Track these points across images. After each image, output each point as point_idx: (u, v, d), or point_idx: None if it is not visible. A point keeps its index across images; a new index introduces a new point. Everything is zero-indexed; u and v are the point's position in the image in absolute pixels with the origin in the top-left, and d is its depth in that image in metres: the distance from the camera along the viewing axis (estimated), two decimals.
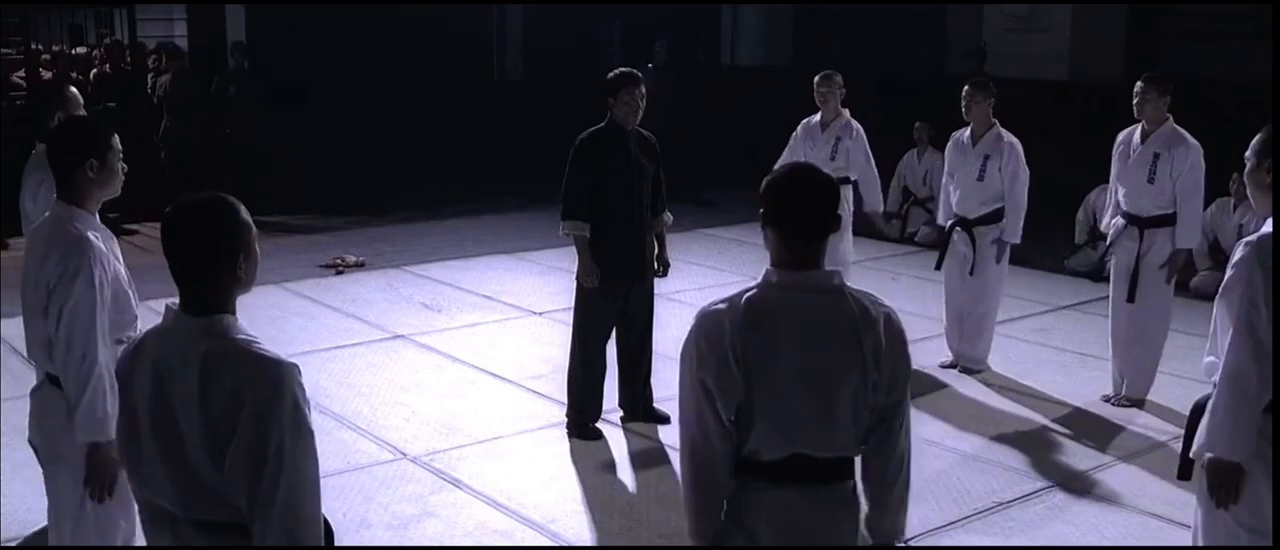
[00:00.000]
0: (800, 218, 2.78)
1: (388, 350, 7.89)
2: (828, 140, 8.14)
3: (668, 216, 6.32)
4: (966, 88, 7.36)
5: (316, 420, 5.75)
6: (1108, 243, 7.04)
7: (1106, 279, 9.80)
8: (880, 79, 14.51)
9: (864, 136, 8.20)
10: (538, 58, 15.81)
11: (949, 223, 7.47)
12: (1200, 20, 13.25)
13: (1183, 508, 4.87)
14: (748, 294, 2.80)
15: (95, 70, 13.22)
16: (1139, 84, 6.68)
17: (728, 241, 11.62)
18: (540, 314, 8.74)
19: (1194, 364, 4.31)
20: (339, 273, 10.15)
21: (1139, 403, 6.82)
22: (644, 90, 5.97)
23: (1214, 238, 9.82)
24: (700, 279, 9.77)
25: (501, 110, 14.61)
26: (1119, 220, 6.86)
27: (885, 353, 2.73)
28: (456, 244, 11.28)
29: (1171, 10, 13.63)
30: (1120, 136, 6.85)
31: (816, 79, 8.25)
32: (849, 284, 2.83)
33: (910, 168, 12.24)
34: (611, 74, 6.00)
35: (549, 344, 7.73)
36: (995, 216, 7.26)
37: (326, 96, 13.62)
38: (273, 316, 8.50)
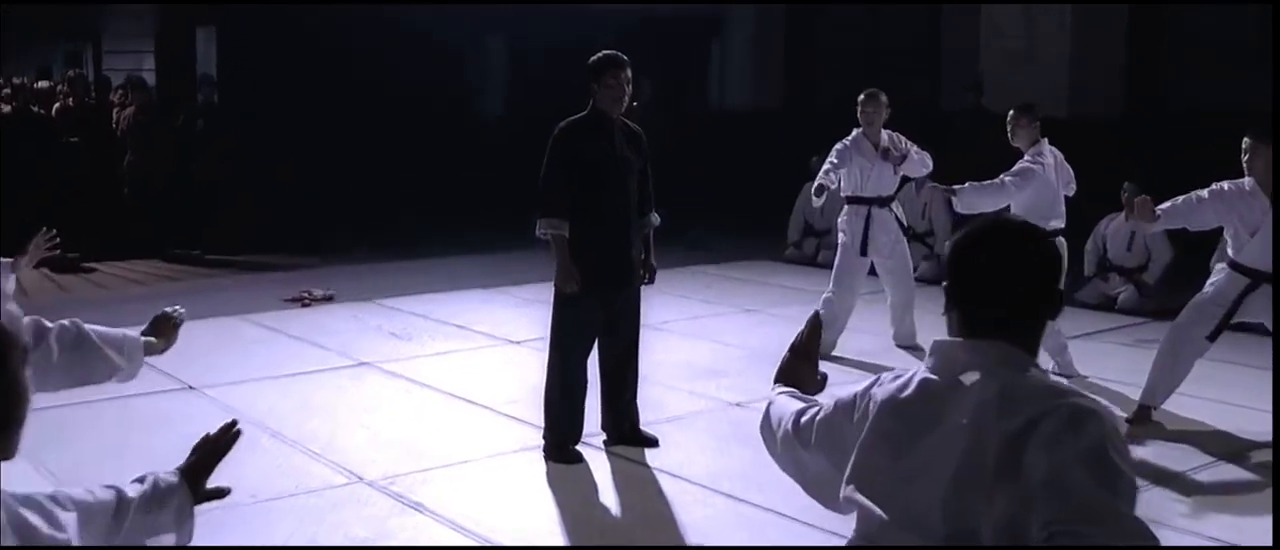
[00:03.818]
0: None
1: (351, 376, 7.28)
2: (884, 159, 7.61)
3: (655, 217, 5.75)
4: (1011, 112, 6.89)
5: (268, 445, 4.99)
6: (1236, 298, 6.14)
7: (1116, 310, 9.42)
8: None
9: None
10: (519, 95, 15.34)
11: None
12: (1200, 54, 12.89)
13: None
14: None
15: (58, 104, 12.69)
16: (1248, 139, 6.01)
17: (717, 278, 11.07)
18: (518, 343, 8.15)
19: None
20: (305, 305, 9.56)
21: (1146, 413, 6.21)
22: (630, 75, 5.43)
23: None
24: (691, 310, 9.19)
25: (482, 148, 14.13)
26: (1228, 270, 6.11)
27: None
28: (431, 279, 10.69)
29: (1171, 45, 13.27)
30: (1228, 187, 6.02)
31: (862, 97, 7.77)
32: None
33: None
34: (594, 57, 5.46)
35: (527, 371, 7.11)
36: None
37: (300, 132, 13.15)
38: (226, 344, 7.92)
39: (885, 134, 7.73)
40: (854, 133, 7.75)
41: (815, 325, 2.55)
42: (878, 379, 2.14)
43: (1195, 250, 9.40)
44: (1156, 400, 6.18)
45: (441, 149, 14.23)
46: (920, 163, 7.68)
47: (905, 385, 2.05)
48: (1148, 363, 7.64)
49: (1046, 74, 13.27)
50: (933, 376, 2.03)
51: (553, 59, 14.76)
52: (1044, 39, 13.39)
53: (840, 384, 2.50)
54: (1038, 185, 6.71)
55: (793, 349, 2.55)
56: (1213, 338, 6.01)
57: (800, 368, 2.53)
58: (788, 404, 2.39)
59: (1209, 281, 6.16)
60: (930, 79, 14.65)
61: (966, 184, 6.64)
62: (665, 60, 15.21)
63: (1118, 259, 9.62)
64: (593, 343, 5.63)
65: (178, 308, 3.44)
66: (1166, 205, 5.96)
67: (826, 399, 2.30)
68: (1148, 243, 9.68)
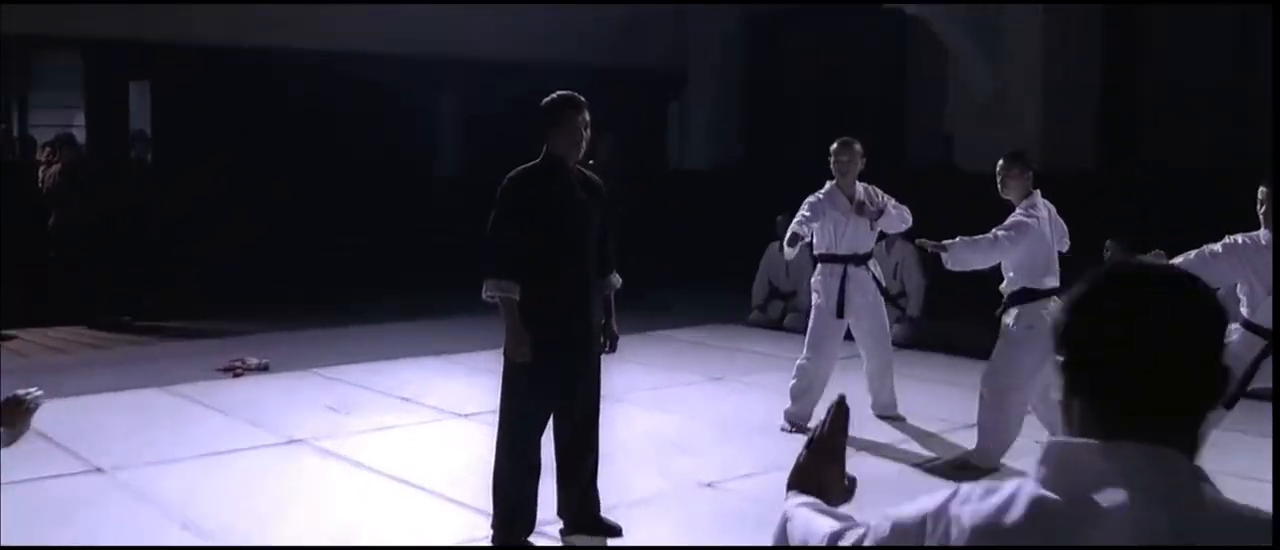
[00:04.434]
0: None
1: (281, 456, 6.59)
2: (860, 214, 7.04)
3: (616, 278, 5.14)
4: (1001, 162, 6.34)
5: (179, 539, 4.26)
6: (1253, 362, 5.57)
7: None
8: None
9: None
10: (475, 154, 14.74)
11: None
12: (1173, 106, 12.54)
13: None
14: None
15: None
16: (1263, 189, 5.47)
17: (678, 342, 10.46)
18: (466, 416, 7.49)
19: None
20: (237, 376, 8.85)
21: None
22: (588, 118, 4.85)
23: None
24: (653, 378, 8.56)
25: (435, 210, 13.50)
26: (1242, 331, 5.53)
27: None
28: (376, 346, 10.00)
29: (1144, 96, 12.91)
30: (1242, 240, 5.48)
31: (835, 146, 7.21)
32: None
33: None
34: (549, 98, 4.87)
35: (476, 447, 6.43)
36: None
37: (240, 191, 12.50)
38: (146, 420, 7.22)
39: (860, 186, 7.19)
40: (827, 185, 7.20)
41: (840, 414, 1.91)
42: (956, 492, 1.51)
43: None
44: None
45: (392, 209, 13.61)
46: (899, 218, 7.14)
47: (1006, 505, 1.42)
48: None
49: (1017, 128, 12.85)
50: (1049, 494, 1.41)
51: (507, 117, 14.26)
52: (1013, 94, 12.98)
53: None
54: (1032, 240, 6.17)
55: (811, 445, 1.90)
56: (1230, 406, 5.45)
57: (823, 469, 1.87)
58: (813, 521, 1.72)
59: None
60: (895, 135, 14.20)
61: (957, 239, 6.09)
62: (623, 118, 14.70)
63: None
64: (547, 418, 4.99)
65: (32, 391, 2.83)
66: (1178, 261, 5.43)
67: (869, 515, 1.66)
68: None
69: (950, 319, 10.61)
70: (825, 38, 15.77)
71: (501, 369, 4.94)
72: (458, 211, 13.05)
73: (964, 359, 9.44)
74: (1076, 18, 12.79)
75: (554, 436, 5.05)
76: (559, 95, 4.84)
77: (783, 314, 11.29)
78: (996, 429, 6.20)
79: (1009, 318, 6.26)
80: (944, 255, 6.07)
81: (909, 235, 7.48)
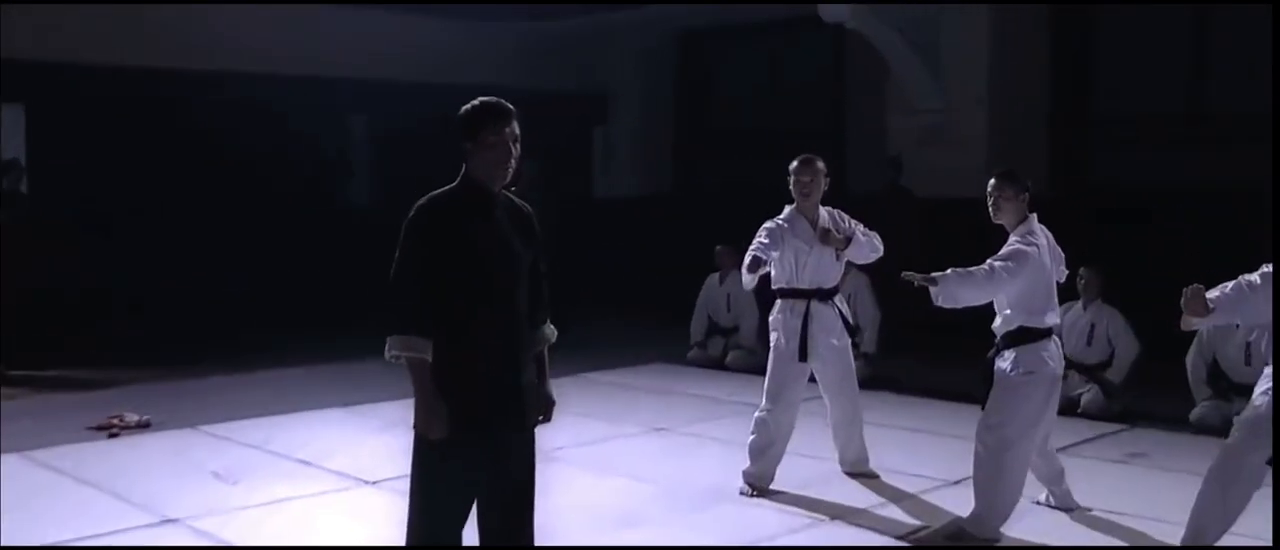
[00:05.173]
0: None
1: (149, 539, 5.53)
2: (824, 242, 6.18)
3: (550, 331, 4.19)
4: (992, 181, 5.48)
5: None
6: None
7: (1079, 414, 8.13)
8: (773, 206, 12.90)
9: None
10: (387, 183, 13.71)
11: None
12: (1124, 129, 11.93)
13: None
14: None
15: None
16: None
17: (612, 386, 9.53)
18: (373, 484, 6.47)
19: None
20: (113, 436, 7.75)
21: None
22: (518, 132, 3.91)
23: (1213, 359, 8.08)
24: (589, 431, 7.60)
25: (344, 243, 12.44)
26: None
27: None
28: (275, 397, 8.93)
29: (1095, 119, 12.28)
30: (1254, 281, 4.72)
31: (795, 165, 6.33)
32: None
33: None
34: (468, 106, 3.92)
35: (383, 526, 5.46)
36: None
37: (126, 225, 11.38)
38: None
39: (824, 211, 6.33)
40: (786, 210, 6.33)
41: None
42: None
43: (1172, 343, 8.26)
44: (1207, 539, 4.78)
45: (295, 242, 12.55)
46: (869, 247, 6.29)
47: None
48: (1148, 483, 6.41)
49: (963, 151, 12.15)
50: None
51: (421, 143, 13.27)
52: (959, 114, 12.28)
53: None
54: (1031, 271, 5.34)
55: None
56: (1273, 462, 4.66)
57: None
58: None
59: (1258, 391, 4.82)
60: (834, 157, 13.40)
61: (949, 271, 5.23)
62: (545, 143, 13.73)
63: (1077, 355, 8.30)
64: (470, 504, 4.00)
65: None
66: (1215, 294, 4.63)
67: None
68: (1110, 336, 8.44)
69: (903, 355, 9.84)
70: (758, 56, 15.01)
71: (413, 442, 3.96)
72: (368, 244, 12.02)
73: (929, 402, 8.66)
74: (1024, 36, 12.15)
75: (478, 524, 4.06)
76: (480, 104, 3.89)
77: (724, 351, 10.41)
78: (995, 491, 5.34)
79: (1005, 362, 5.41)
80: (933, 290, 5.21)
81: (870, 268, 6.63)
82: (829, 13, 11.88)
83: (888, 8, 11.86)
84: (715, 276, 10.66)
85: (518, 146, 3.89)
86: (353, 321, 10.85)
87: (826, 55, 14.04)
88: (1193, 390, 8.00)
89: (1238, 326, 7.63)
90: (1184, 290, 4.60)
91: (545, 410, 4.10)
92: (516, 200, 4.06)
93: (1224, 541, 4.66)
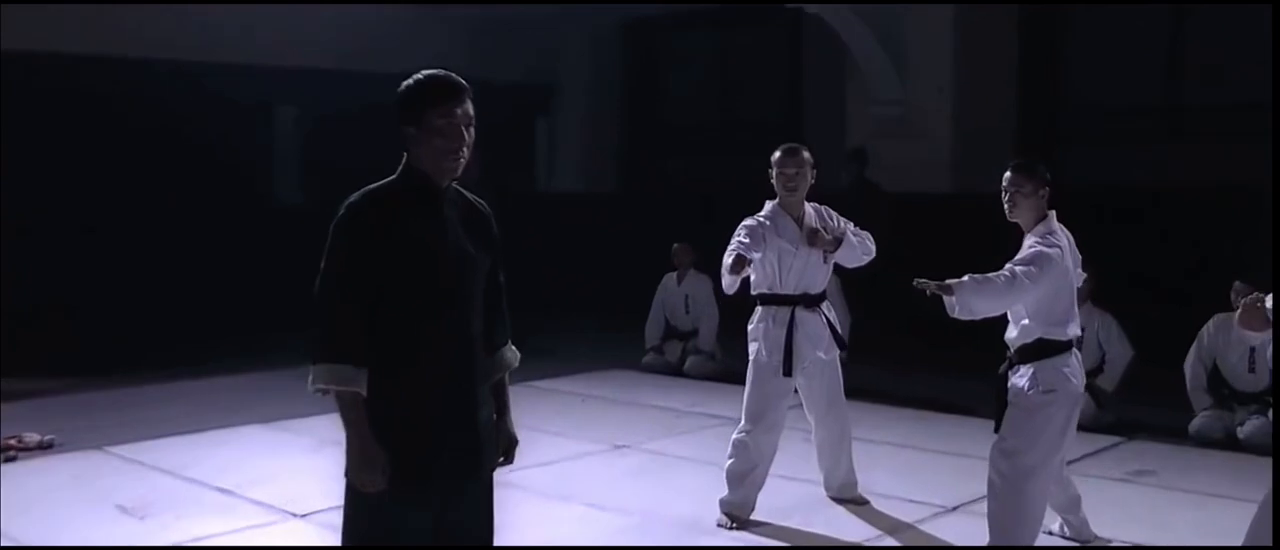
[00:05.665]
0: None
1: None
2: (811, 244, 5.53)
3: (511, 354, 3.49)
4: (1008, 174, 4.83)
5: None
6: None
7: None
8: (729, 202, 12.30)
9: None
10: (320, 179, 12.87)
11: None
12: (1095, 125, 11.44)
13: None
14: None
15: None
16: None
17: (564, 396, 8.83)
18: (303, 517, 5.72)
19: None
20: (10, 459, 6.92)
21: None
22: (471, 112, 3.19)
23: (1213, 365, 7.55)
24: (543, 449, 6.85)
25: (274, 242, 11.59)
26: None
27: None
28: (195, 412, 8.13)
29: (1065, 114, 11.77)
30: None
31: (778, 155, 5.65)
32: None
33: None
34: (410, 82, 3.21)
35: None
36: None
37: (36, 224, 10.45)
38: None
39: (809, 208, 5.67)
40: (768, 206, 5.67)
41: None
42: None
43: (1158, 347, 7.76)
44: None
45: (220, 241, 11.68)
46: (861, 248, 5.64)
47: None
48: (1164, 508, 5.83)
49: (926, 144, 11.60)
50: None
51: (357, 134, 12.48)
52: (922, 105, 11.72)
53: None
54: (1054, 277, 4.71)
55: None
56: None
57: None
58: None
59: None
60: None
61: (966, 278, 4.58)
62: (484, 134, 12.98)
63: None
64: None
65: None
66: (1271, 300, 4.03)
67: None
68: (1102, 341, 7.89)
69: (869, 360, 9.23)
70: (711, 44, 14.33)
71: (344, 490, 3.23)
72: (297, 243, 11.21)
73: (917, 415, 8.04)
74: (991, 22, 11.60)
75: None
76: (426, 78, 3.16)
77: (682, 356, 9.73)
78: (1015, 524, 4.71)
79: (1021, 379, 4.79)
80: (948, 301, 4.56)
81: (862, 272, 5.97)
82: None
83: None
84: (672, 276, 9.98)
85: (471, 131, 3.18)
86: (281, 326, 10.06)
87: (784, 43, 13.41)
88: (1191, 399, 7.47)
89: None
90: (1241, 300, 4.01)
91: (506, 451, 3.40)
92: (470, 196, 3.36)
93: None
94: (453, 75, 3.18)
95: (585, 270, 13.29)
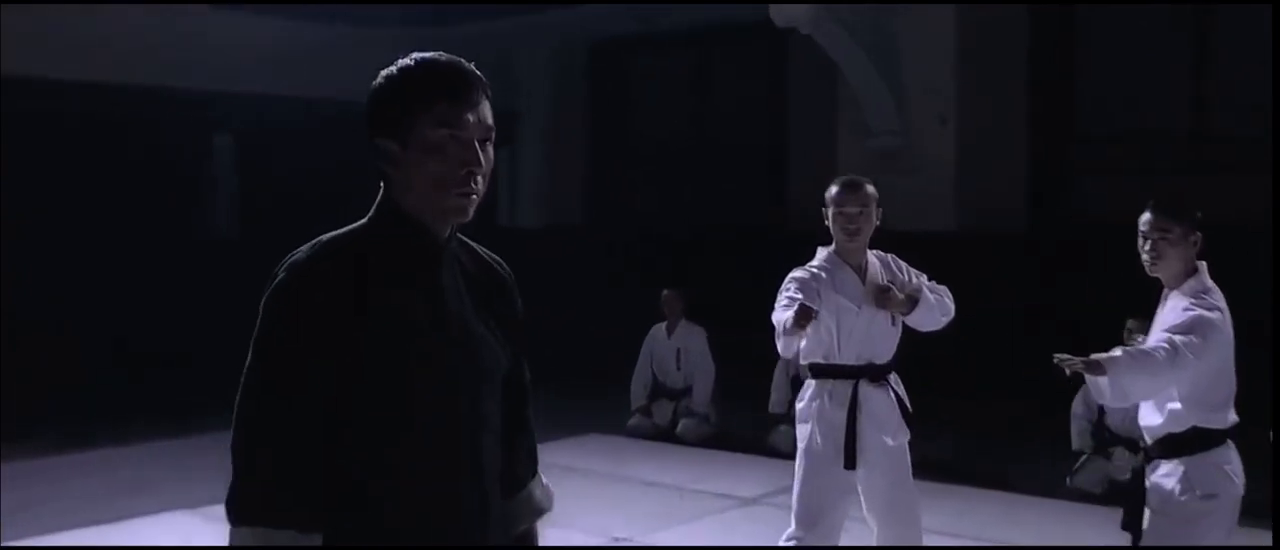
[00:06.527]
0: None
1: None
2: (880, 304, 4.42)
3: (543, 492, 2.41)
4: (1149, 215, 3.76)
5: None
6: None
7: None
8: (713, 239, 11.26)
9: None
10: (255, 210, 11.65)
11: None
12: (1112, 156, 10.49)
13: None
14: None
15: None
16: None
17: (553, 469, 7.56)
18: None
19: None
20: None
21: None
22: (489, 119, 2.04)
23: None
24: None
25: (207, 280, 10.36)
26: None
27: None
28: (104, 493, 6.89)
29: (1080, 144, 10.81)
30: None
31: (834, 190, 4.57)
32: None
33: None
34: (388, 74, 2.07)
35: None
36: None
37: None
38: None
39: (874, 258, 4.56)
40: (821, 253, 4.55)
41: None
42: None
43: None
44: None
45: (149, 279, 10.39)
46: (940, 308, 4.50)
47: None
48: None
49: (927, 179, 10.58)
50: None
51: (300, 162, 11.27)
52: (922, 136, 10.71)
53: None
54: (1217, 348, 3.62)
55: None
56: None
57: None
58: None
59: None
60: (774, 191, 11.75)
61: (1119, 353, 3.47)
62: None
63: (1123, 429, 6.71)
64: None
65: None
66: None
67: None
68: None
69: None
70: (686, 68, 13.25)
71: None
72: (233, 281, 9.96)
73: (972, 491, 6.91)
74: (996, 44, 10.66)
75: None
76: (416, 65, 2.04)
77: (674, 418, 8.56)
78: None
79: (1168, 479, 3.68)
80: (1099, 382, 3.44)
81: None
82: (781, 15, 10.23)
83: (845, 13, 10.26)
84: (662, 327, 8.82)
85: (491, 149, 2.02)
86: (213, 379, 8.68)
87: (767, 67, 12.38)
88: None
89: None
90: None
91: None
92: (483, 252, 2.22)
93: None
94: (460, 62, 2.03)
95: (551, 313, 12.13)
